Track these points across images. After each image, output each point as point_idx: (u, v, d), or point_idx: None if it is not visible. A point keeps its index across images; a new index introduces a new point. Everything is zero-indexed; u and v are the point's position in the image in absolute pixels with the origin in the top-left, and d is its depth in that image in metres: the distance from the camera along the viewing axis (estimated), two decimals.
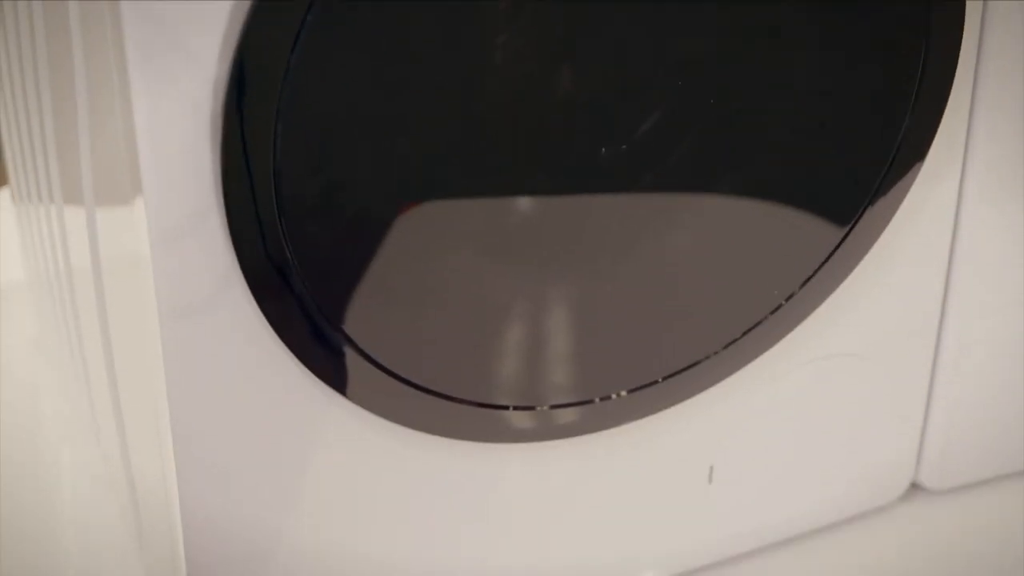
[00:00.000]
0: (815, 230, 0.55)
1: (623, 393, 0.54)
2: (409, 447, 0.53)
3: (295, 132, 0.45)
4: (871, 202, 0.55)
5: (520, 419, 0.54)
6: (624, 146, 0.49)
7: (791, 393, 0.60)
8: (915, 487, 0.68)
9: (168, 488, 0.50)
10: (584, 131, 0.49)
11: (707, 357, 0.55)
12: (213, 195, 0.45)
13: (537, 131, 0.48)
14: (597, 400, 0.54)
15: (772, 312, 0.56)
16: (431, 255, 0.49)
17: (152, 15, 0.42)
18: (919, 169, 0.56)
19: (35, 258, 0.75)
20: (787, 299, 0.56)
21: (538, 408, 0.53)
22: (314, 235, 0.47)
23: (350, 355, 0.49)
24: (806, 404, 0.61)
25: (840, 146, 0.54)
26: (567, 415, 0.54)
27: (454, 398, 0.52)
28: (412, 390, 0.51)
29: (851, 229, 0.55)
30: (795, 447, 0.62)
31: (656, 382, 0.55)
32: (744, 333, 0.55)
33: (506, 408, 0.53)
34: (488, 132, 0.48)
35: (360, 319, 0.49)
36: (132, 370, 0.53)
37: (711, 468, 0.60)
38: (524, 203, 0.49)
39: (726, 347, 0.55)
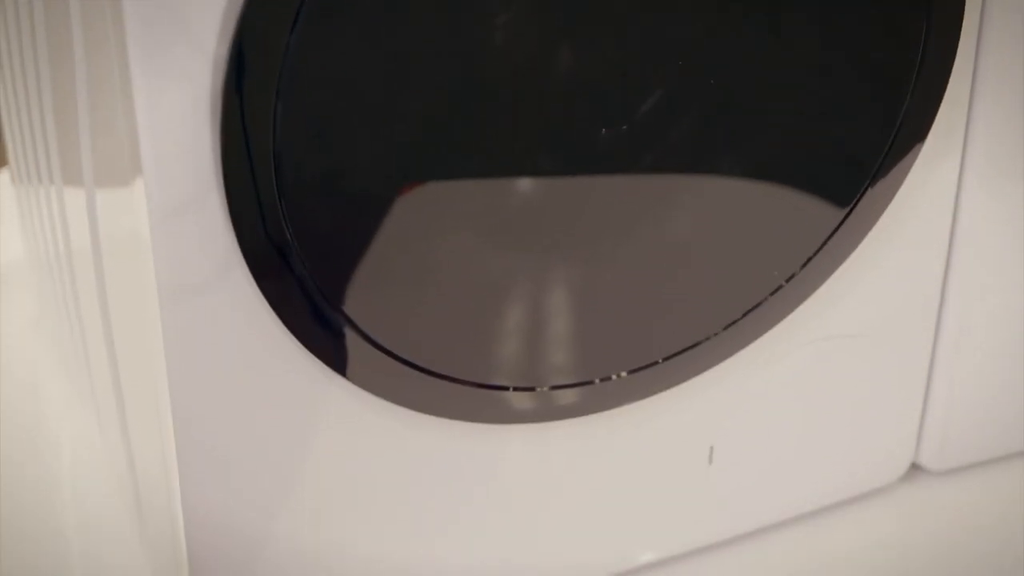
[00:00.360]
0: (815, 211, 0.55)
1: (623, 374, 0.54)
2: (409, 428, 0.53)
3: (295, 112, 0.44)
4: (871, 183, 0.55)
5: (520, 400, 0.53)
6: (624, 127, 0.49)
7: (791, 374, 0.60)
8: (915, 468, 0.68)
9: (168, 468, 0.50)
10: (584, 112, 0.49)
11: (707, 338, 0.55)
12: (213, 176, 0.45)
13: (537, 112, 0.48)
14: (597, 381, 0.54)
15: (772, 293, 0.55)
16: (431, 236, 0.49)
17: None
18: (919, 150, 0.56)
19: (35, 239, 0.75)
20: (788, 280, 0.55)
21: (538, 389, 0.53)
22: (314, 216, 0.47)
23: (350, 336, 0.49)
24: (806, 385, 0.61)
25: (841, 127, 0.54)
26: (567, 396, 0.54)
27: (454, 379, 0.52)
28: (412, 371, 0.51)
29: (851, 210, 0.55)
30: (795, 428, 0.62)
31: (656, 363, 0.55)
32: (744, 314, 0.55)
33: (506, 389, 0.53)
34: (488, 113, 0.48)
35: (360, 300, 0.49)
36: (132, 350, 0.53)
37: (711, 449, 0.60)
38: (524, 184, 0.49)
39: (726, 328, 0.55)
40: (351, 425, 0.52)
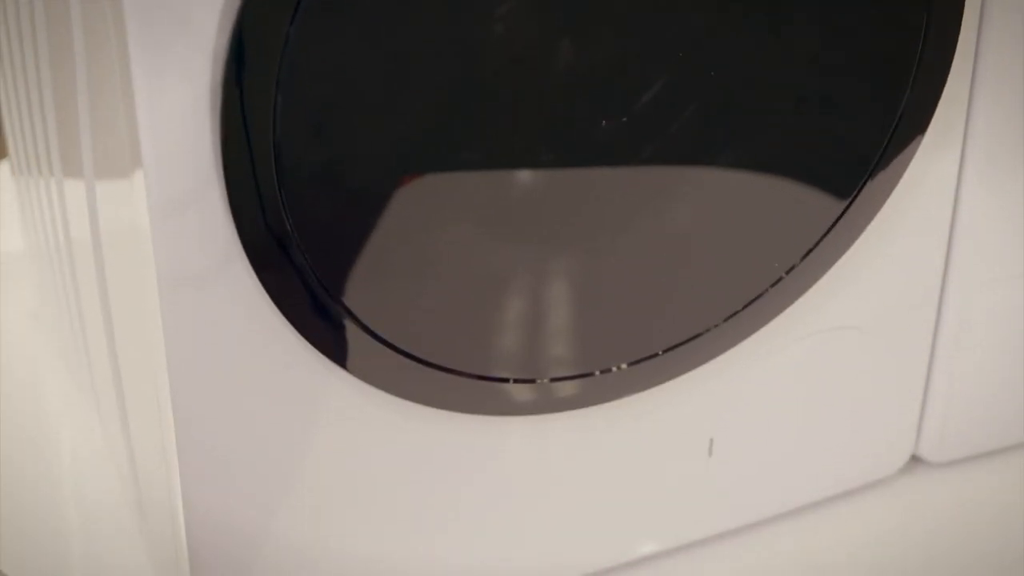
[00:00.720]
0: (816, 203, 0.54)
1: (623, 366, 0.54)
2: (409, 420, 0.53)
3: (295, 104, 0.44)
4: (872, 175, 0.55)
5: (520, 392, 0.53)
6: (624, 119, 0.49)
7: (792, 366, 0.60)
8: (915, 460, 0.67)
9: (168, 461, 0.50)
10: (584, 104, 0.49)
11: (708, 330, 0.55)
12: (213, 167, 0.45)
13: (537, 104, 0.48)
14: (597, 373, 0.54)
15: (773, 285, 0.55)
16: (431, 228, 0.49)
17: None
18: (920, 142, 0.56)
19: (35, 231, 0.75)
20: (788, 272, 0.55)
21: (538, 381, 0.53)
22: (314, 207, 0.46)
23: (350, 328, 0.49)
24: (807, 377, 0.60)
25: (841, 119, 0.53)
26: (567, 388, 0.54)
27: (454, 371, 0.52)
28: (412, 363, 0.51)
29: (852, 202, 0.55)
30: (796, 420, 0.61)
31: (656, 355, 0.55)
32: (745, 306, 0.55)
33: (506, 381, 0.53)
34: (488, 105, 0.47)
35: (360, 291, 0.48)
36: (132, 342, 0.53)
37: (711, 441, 0.59)
38: (525, 176, 0.49)
39: (727, 320, 0.55)
40: (351, 417, 0.52)
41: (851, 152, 0.54)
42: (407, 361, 0.51)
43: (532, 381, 0.53)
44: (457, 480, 0.55)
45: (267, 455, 0.51)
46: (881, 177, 0.55)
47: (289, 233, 0.46)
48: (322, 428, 0.52)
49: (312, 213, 0.46)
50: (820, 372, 0.61)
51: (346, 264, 0.48)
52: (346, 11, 0.44)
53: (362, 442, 0.52)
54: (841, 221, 0.55)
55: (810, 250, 0.55)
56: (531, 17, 0.46)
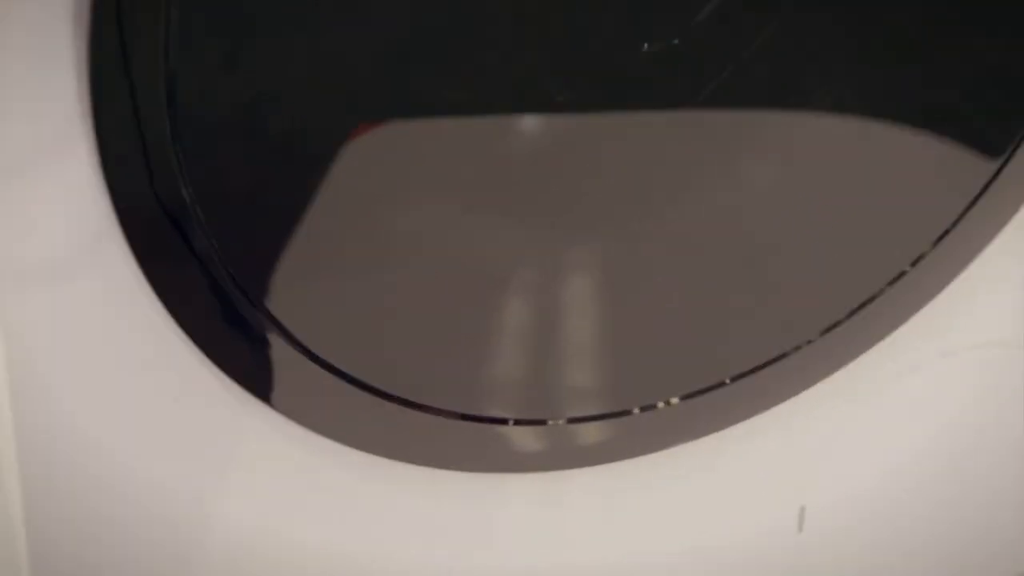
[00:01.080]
0: (956, 164, 0.53)
1: (673, 401, 0.53)
2: (364, 479, 0.52)
3: (196, 16, 0.43)
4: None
5: (524, 437, 0.53)
6: (675, 41, 0.47)
7: (910, 402, 0.57)
8: None
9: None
10: (614, 20, 0.47)
11: (797, 349, 0.53)
12: (77, 109, 0.43)
13: (545, 20, 0.46)
14: (636, 411, 0.52)
15: (891, 283, 0.53)
16: (394, 200, 0.47)
17: None
18: None
19: None
20: (913, 264, 0.53)
21: (550, 422, 0.52)
22: (225, 168, 0.45)
23: (277, 345, 0.48)
24: (932, 417, 0.58)
25: (993, 53, 0.52)
26: (591, 432, 0.53)
27: (430, 408, 0.50)
28: (368, 396, 0.49)
29: (1006, 162, 0.53)
30: (921, 482, 0.57)
31: (723, 384, 0.53)
32: (849, 315, 0.53)
33: (504, 422, 0.52)
34: (473, 22, 0.46)
35: (291, 292, 0.47)
36: None
37: (802, 509, 0.56)
38: (527, 124, 0.48)
39: (824, 334, 0.53)
40: (278, 470, 0.51)
41: (1006, 98, 0.52)
42: (361, 394, 0.49)
43: (542, 422, 0.52)
44: (436, 565, 0.52)
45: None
46: None
47: (187, 205, 0.44)
48: (232, 480, 0.49)
49: (221, 176, 0.45)
50: (958, 409, 0.57)
51: (270, 253, 0.46)
52: None
53: (291, 508, 0.49)
54: (989, 190, 0.52)
55: (945, 232, 0.53)
56: None
